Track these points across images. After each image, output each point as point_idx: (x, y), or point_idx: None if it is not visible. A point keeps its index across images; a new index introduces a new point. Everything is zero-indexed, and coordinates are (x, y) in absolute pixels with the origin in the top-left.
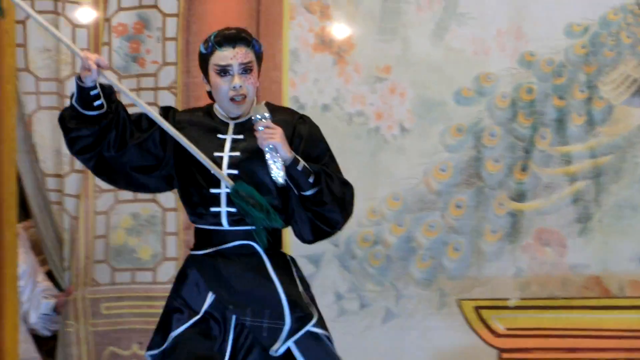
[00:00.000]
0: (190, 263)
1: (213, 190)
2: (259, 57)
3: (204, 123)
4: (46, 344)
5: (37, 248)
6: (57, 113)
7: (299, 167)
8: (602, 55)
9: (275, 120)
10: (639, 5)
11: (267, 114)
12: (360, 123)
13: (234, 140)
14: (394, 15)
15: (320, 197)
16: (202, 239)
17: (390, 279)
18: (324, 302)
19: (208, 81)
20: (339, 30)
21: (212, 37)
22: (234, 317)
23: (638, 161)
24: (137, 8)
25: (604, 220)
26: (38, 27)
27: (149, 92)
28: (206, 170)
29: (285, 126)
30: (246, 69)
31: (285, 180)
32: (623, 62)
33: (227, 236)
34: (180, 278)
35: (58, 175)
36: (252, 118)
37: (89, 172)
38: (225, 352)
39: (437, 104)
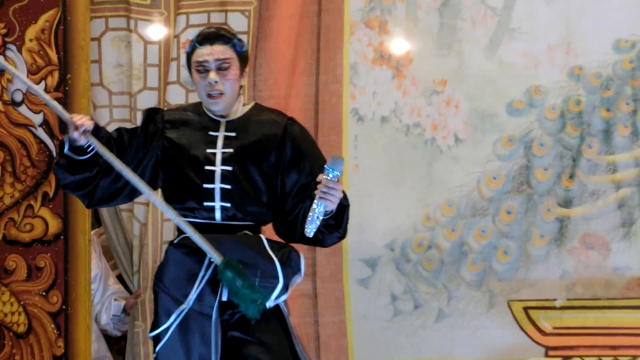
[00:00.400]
0: (174, 250)
1: (207, 185)
2: (241, 55)
3: (194, 121)
4: (117, 344)
5: (108, 253)
6: (128, 124)
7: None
8: None
9: (263, 120)
10: None
11: (340, 172)
12: (417, 134)
13: (226, 138)
14: (450, 31)
15: (336, 227)
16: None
17: (443, 281)
18: (380, 304)
19: (192, 80)
20: (397, 45)
21: (194, 37)
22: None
23: None
24: (205, 25)
25: None
26: (112, 44)
27: None
28: (199, 166)
29: (274, 125)
30: (222, 66)
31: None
32: None
33: (220, 230)
34: (163, 268)
35: None
36: (326, 167)
37: None
38: (210, 334)
39: (489, 115)
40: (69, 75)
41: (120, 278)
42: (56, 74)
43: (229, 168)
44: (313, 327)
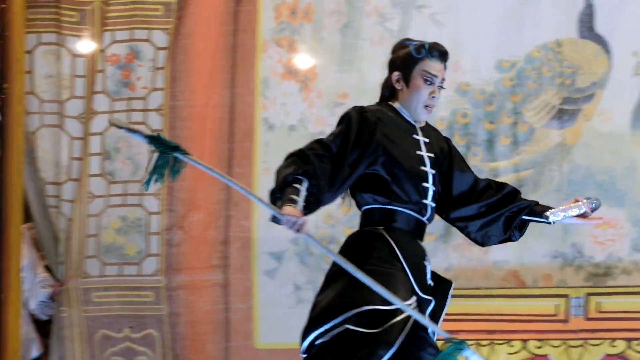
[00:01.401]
0: (398, 239)
1: (424, 184)
2: None
3: (397, 122)
4: (44, 327)
5: (37, 245)
6: (57, 130)
7: None
8: (526, 86)
9: (435, 133)
10: (558, 43)
11: (597, 208)
12: None
13: (425, 142)
14: (351, 49)
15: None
16: (401, 220)
17: None
18: (285, 292)
19: (405, 81)
20: (304, 61)
21: (426, 45)
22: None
23: (554, 174)
24: (129, 41)
25: None
26: (43, 56)
27: (139, 113)
28: (416, 165)
29: (442, 139)
30: (441, 86)
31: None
32: (544, 92)
33: (419, 227)
34: (404, 247)
35: (56, 183)
36: (589, 200)
37: (84, 180)
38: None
39: None
40: (6, 85)
41: (47, 268)
42: None
43: (433, 171)
44: (224, 313)
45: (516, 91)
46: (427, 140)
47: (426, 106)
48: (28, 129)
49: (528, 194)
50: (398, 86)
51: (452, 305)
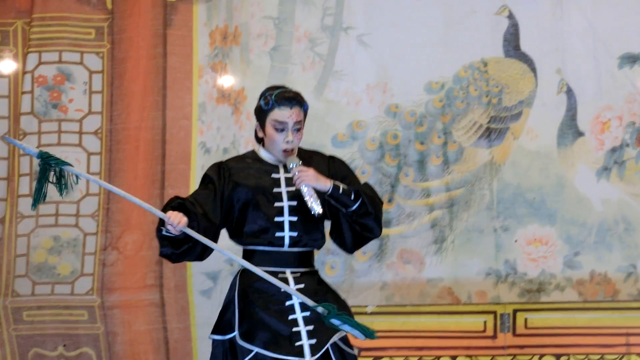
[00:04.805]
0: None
1: (278, 219)
2: (306, 115)
3: (256, 167)
4: None
5: None
6: None
7: (340, 191)
8: (455, 106)
9: (312, 162)
10: (484, 62)
11: (298, 162)
12: None
13: (286, 178)
14: (281, 73)
15: (365, 209)
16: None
17: None
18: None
19: (263, 130)
20: (235, 85)
21: (273, 96)
22: None
23: (484, 193)
24: (57, 63)
25: (455, 242)
26: None
27: (73, 135)
28: (270, 202)
29: (321, 164)
30: (298, 128)
31: (328, 206)
32: (471, 111)
33: (287, 255)
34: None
35: None
36: (288, 167)
37: (13, 201)
38: None
39: (318, 147)
40: None
41: None
42: None
43: (294, 203)
44: (162, 333)
45: (445, 111)
46: (289, 175)
47: (284, 150)
48: None
49: (460, 212)
50: (260, 134)
51: (381, 323)
